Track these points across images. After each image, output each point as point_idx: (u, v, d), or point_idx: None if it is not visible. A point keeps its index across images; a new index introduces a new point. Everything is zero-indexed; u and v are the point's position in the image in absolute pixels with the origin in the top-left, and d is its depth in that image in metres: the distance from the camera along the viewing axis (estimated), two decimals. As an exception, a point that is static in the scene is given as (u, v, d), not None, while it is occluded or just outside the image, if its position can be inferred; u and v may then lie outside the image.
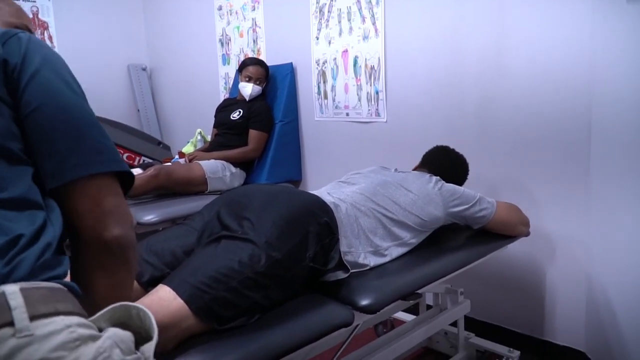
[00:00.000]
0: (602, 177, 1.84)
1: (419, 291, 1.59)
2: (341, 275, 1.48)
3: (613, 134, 1.75)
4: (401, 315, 2.43)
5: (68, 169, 0.78)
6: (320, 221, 1.42)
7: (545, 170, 2.04)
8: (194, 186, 2.76)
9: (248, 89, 2.94)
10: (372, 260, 1.57)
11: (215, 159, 2.87)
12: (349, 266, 1.49)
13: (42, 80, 0.80)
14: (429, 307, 2.25)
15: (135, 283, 1.34)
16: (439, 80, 2.32)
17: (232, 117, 2.98)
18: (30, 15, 3.68)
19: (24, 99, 0.78)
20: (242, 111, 2.96)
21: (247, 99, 2.98)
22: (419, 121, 2.43)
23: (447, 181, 1.83)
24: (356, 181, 1.76)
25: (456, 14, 2.21)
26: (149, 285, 1.30)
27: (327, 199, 1.54)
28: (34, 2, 3.68)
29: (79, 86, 0.87)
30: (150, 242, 1.44)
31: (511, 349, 2.06)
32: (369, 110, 2.62)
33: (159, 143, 3.75)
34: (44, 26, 3.74)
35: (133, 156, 3.58)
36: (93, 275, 0.84)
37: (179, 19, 3.88)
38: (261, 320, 1.25)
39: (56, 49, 3.79)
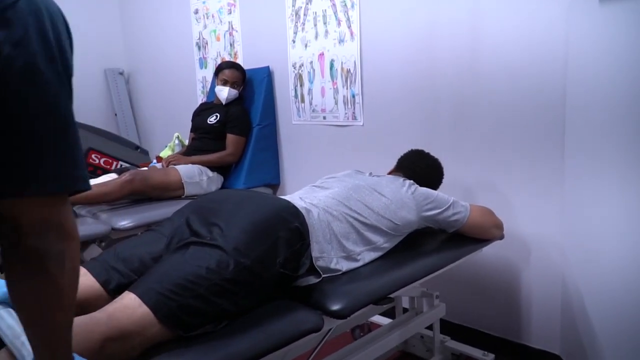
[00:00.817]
0: (575, 177, 1.86)
1: (391, 295, 1.58)
2: (313, 280, 1.47)
3: (586, 134, 1.77)
4: (378, 318, 2.42)
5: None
6: (290, 227, 1.41)
7: (520, 171, 2.05)
8: (170, 191, 2.73)
9: (224, 93, 2.92)
10: (345, 265, 1.56)
11: (193, 163, 2.84)
12: (320, 271, 1.49)
13: None
14: (405, 310, 2.25)
15: (102, 290, 1.32)
16: (414, 83, 2.32)
17: (209, 122, 2.96)
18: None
19: None
20: (219, 115, 2.94)
21: (224, 103, 2.96)
22: (395, 124, 2.43)
23: (422, 185, 1.83)
24: (330, 185, 1.76)
25: (430, 17, 2.22)
26: (115, 293, 1.28)
27: (299, 204, 1.53)
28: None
29: None
30: (118, 249, 1.42)
31: (486, 353, 2.07)
32: (346, 113, 2.62)
33: (137, 147, 3.71)
34: (18, 29, 3.68)
35: (110, 161, 3.54)
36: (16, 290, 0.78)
37: (156, 23, 3.85)
38: (228, 327, 1.24)
39: (30, 53, 3.73)
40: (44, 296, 0.77)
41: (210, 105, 3.08)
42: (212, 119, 2.95)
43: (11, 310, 1.05)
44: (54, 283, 0.76)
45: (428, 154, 2.02)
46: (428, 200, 1.74)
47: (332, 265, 1.53)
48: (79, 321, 1.09)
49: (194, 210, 1.49)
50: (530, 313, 2.12)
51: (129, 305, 1.15)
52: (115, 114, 4.14)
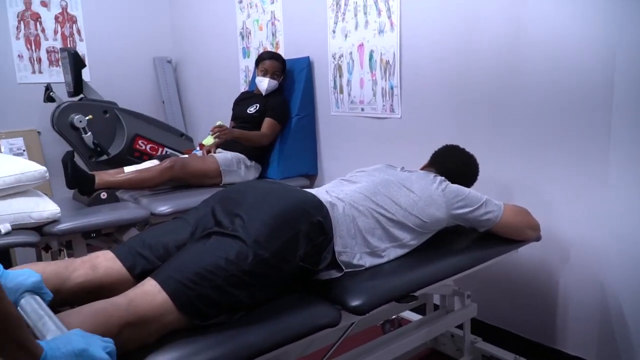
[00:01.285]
0: (621, 179, 1.76)
1: (416, 293, 1.56)
2: (335, 274, 1.47)
3: (636, 134, 1.67)
4: (409, 314, 2.40)
5: None
6: (312, 220, 1.41)
7: (560, 170, 1.96)
8: (208, 179, 2.78)
9: (264, 84, 2.94)
10: (368, 261, 1.54)
11: (235, 136, 2.83)
12: (343, 266, 1.48)
13: None
14: (436, 308, 2.21)
15: (128, 275, 1.36)
16: (453, 75, 2.26)
17: (248, 111, 2.99)
18: (59, 10, 3.78)
19: None
20: (258, 105, 2.97)
21: (264, 94, 2.97)
22: (433, 117, 2.38)
23: (455, 181, 1.79)
24: (358, 179, 1.74)
25: (471, 7, 2.14)
26: (140, 278, 1.31)
27: (324, 197, 1.52)
28: (63, -5, 3.77)
29: None
30: (145, 236, 1.46)
31: (518, 356, 2.02)
32: (384, 105, 2.58)
33: (182, 134, 3.79)
34: (73, 20, 3.83)
35: (156, 147, 3.63)
36: None
37: (203, 12, 3.91)
38: (244, 318, 1.25)
39: (84, 42, 3.88)
40: None
41: (250, 95, 3.11)
42: (251, 109, 2.98)
43: (37, 297, 1.10)
44: None
45: (463, 149, 1.96)
46: (459, 198, 1.70)
47: (355, 261, 1.51)
48: (100, 304, 1.14)
49: (219, 200, 1.50)
50: (567, 318, 2.03)
51: (149, 292, 1.18)
52: (163, 102, 4.24)
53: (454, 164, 1.90)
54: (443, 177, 1.76)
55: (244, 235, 1.30)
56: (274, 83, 2.96)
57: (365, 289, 1.43)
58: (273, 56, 2.97)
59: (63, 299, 1.27)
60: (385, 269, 1.56)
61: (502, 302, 2.24)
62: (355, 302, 1.37)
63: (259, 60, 2.97)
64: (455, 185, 1.74)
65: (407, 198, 1.64)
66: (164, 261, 1.36)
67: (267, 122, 2.91)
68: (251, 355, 1.16)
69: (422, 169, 1.93)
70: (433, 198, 1.67)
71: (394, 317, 2.32)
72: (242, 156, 2.89)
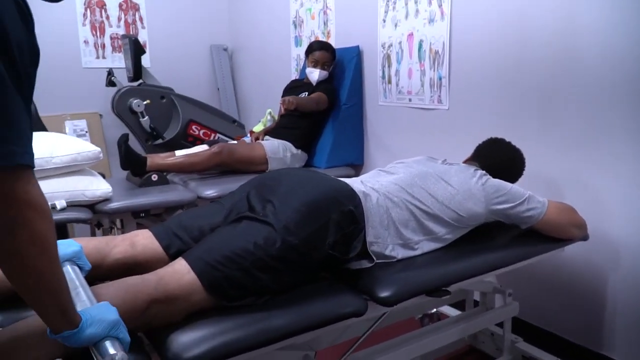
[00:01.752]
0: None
1: (452, 288, 1.53)
2: (365, 264, 1.47)
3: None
4: (449, 310, 2.36)
5: None
6: (343, 209, 1.41)
7: (613, 167, 1.85)
8: (255, 165, 2.82)
9: (315, 75, 2.94)
10: (401, 253, 1.53)
11: (299, 103, 2.83)
12: (374, 256, 1.47)
13: None
14: (476, 304, 2.16)
15: (164, 254, 1.41)
16: (503, 66, 2.18)
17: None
18: (123, -3, 3.93)
19: None
20: (307, 94, 2.98)
21: (314, 84, 2.98)
22: (481, 110, 2.30)
23: (497, 176, 1.73)
24: (396, 171, 1.71)
25: (526, -3, 2.05)
26: (175, 258, 1.35)
27: (357, 187, 1.52)
28: (127, -16, 3.92)
29: None
30: (182, 217, 1.51)
31: (559, 359, 1.93)
32: (432, 96, 2.53)
33: (234, 121, 3.88)
34: (135, 8, 3.98)
35: (209, 133, 3.73)
36: None
37: (258, 1, 3.95)
38: (270, 302, 1.27)
39: (145, 30, 4.03)
40: (3, 260, 0.83)
41: (300, 83, 3.13)
42: (301, 96, 3.00)
43: (75, 266, 1.17)
44: (6, 249, 0.81)
45: (508, 143, 1.89)
46: (499, 193, 1.64)
47: (387, 252, 1.50)
48: (131, 280, 1.19)
49: (255, 186, 1.53)
50: (615, 322, 1.93)
51: (179, 271, 1.23)
52: (218, 89, 4.35)
53: (498, 158, 1.84)
54: (484, 171, 1.71)
55: (274, 220, 1.32)
56: (324, 74, 2.96)
57: (395, 281, 1.42)
58: (323, 47, 2.96)
59: (103, 274, 1.34)
60: (417, 261, 1.54)
61: (545, 302, 2.16)
62: (383, 293, 1.37)
63: (309, 51, 2.98)
64: (497, 180, 1.68)
65: (444, 191, 1.61)
66: (197, 242, 1.41)
67: (317, 94, 2.90)
68: (274, 338, 1.18)
69: (465, 162, 1.88)
70: (472, 192, 1.62)
71: (433, 311, 2.29)
72: (289, 144, 2.91)
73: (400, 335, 1.80)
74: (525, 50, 2.08)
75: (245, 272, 1.25)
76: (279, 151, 2.87)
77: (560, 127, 2.01)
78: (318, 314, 1.25)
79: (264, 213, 1.37)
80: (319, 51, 2.95)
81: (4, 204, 0.78)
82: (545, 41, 2.01)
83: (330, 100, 2.94)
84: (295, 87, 3.13)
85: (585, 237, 1.77)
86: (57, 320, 0.93)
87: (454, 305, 2.33)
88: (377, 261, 1.48)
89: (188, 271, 1.23)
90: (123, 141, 2.52)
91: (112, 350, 0.95)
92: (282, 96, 3.20)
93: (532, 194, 1.67)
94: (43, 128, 2.95)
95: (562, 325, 2.12)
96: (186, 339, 1.12)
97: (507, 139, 1.92)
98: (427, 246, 1.58)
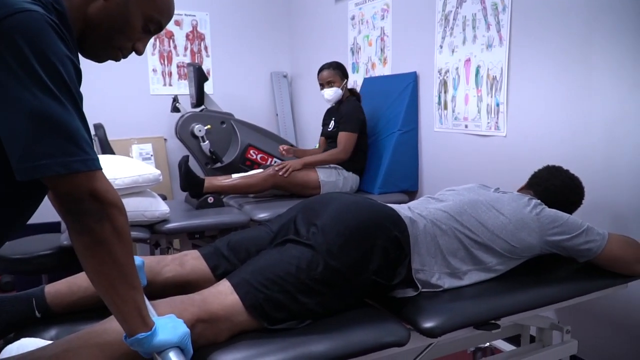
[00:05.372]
0: None
1: (504, 322, 1.47)
2: (410, 292, 1.44)
3: None
4: (503, 345, 2.25)
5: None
6: (390, 235, 1.40)
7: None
8: (309, 189, 2.85)
9: (326, 95, 2.99)
10: (447, 282, 1.49)
11: (306, 164, 2.87)
12: (419, 284, 1.44)
13: None
14: (532, 339, 2.05)
15: (211, 274, 1.45)
16: (565, 93, 2.10)
17: (329, 129, 3.04)
18: (190, 28, 4.14)
19: None
20: (334, 120, 3.00)
21: (329, 105, 3.04)
22: (541, 137, 2.23)
23: (553, 206, 1.66)
24: (445, 198, 1.68)
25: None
26: (222, 278, 1.39)
27: (405, 213, 1.50)
28: (194, 15, 4.13)
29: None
30: (230, 238, 1.54)
31: (623, 404, 1.80)
32: (489, 123, 2.47)
33: (291, 146, 3.95)
34: (201, 37, 4.18)
35: (266, 157, 3.81)
36: None
37: (318, 29, 4.05)
38: (312, 326, 1.27)
39: (210, 58, 4.21)
40: (90, 249, 0.94)
41: (330, 110, 3.15)
42: (330, 126, 3.03)
43: None
44: (95, 235, 0.92)
45: (566, 171, 1.81)
46: (555, 224, 1.57)
47: (434, 280, 1.47)
48: (178, 298, 1.23)
49: (301, 209, 1.55)
50: (688, 369, 1.78)
51: (222, 292, 1.26)
52: (277, 114, 4.45)
53: (554, 187, 1.76)
54: (539, 201, 1.64)
55: (317, 244, 1.33)
56: (334, 90, 2.95)
57: (440, 311, 1.38)
58: (324, 67, 3.00)
59: (153, 292, 1.38)
60: (465, 292, 1.49)
61: (606, 341, 2.02)
62: (428, 324, 1.33)
63: (318, 75, 3.02)
64: (553, 210, 1.61)
65: (495, 220, 1.56)
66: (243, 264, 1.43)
67: (340, 136, 2.90)
68: (312, 364, 1.17)
69: (519, 190, 1.82)
70: (525, 222, 1.56)
71: (486, 345, 2.19)
72: (339, 167, 2.93)
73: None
74: (590, 76, 2.00)
75: (287, 294, 1.26)
76: (332, 175, 2.89)
77: (625, 156, 1.91)
78: (358, 341, 1.23)
79: (308, 237, 1.38)
80: (322, 72, 2.99)
81: (92, 200, 0.90)
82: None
83: (355, 127, 2.88)
84: (327, 116, 3.16)
85: (652, 274, 1.65)
86: (134, 320, 0.99)
87: (510, 339, 2.22)
88: (423, 290, 1.45)
89: (231, 292, 1.25)
90: (183, 162, 2.62)
91: None
92: (323, 120, 3.23)
93: (591, 225, 1.59)
94: (111, 151, 3.13)
95: (627, 368, 1.98)
96: (226, 359, 1.13)
97: (567, 168, 1.85)
98: (476, 276, 1.53)
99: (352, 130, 2.89)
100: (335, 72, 2.98)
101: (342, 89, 2.99)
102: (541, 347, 1.91)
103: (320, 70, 3.03)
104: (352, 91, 3.09)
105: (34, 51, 0.83)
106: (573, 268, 1.68)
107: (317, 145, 3.32)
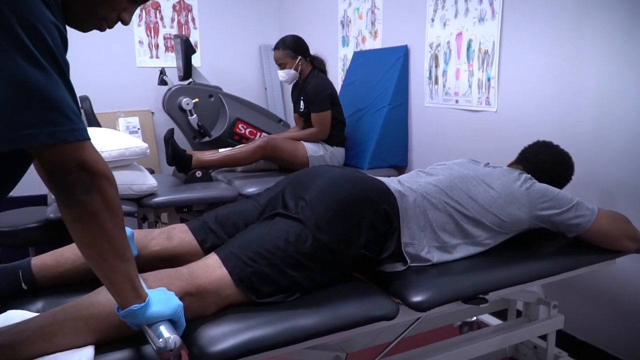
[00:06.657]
0: None
1: (492, 297, 1.48)
2: (399, 267, 1.44)
3: None
4: (490, 319, 2.28)
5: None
6: (377, 209, 1.38)
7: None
8: (297, 164, 2.83)
9: (279, 77, 2.96)
10: (436, 256, 1.48)
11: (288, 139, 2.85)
12: (408, 258, 1.44)
13: None
14: (519, 314, 2.08)
15: (199, 248, 1.43)
16: (557, 68, 2.08)
17: (300, 109, 2.99)
18: (177, -1, 4.04)
19: None
20: (303, 99, 2.94)
21: (288, 84, 2.98)
22: (532, 113, 2.21)
23: (543, 180, 1.66)
24: (436, 172, 1.67)
25: (582, -6, 1.96)
26: (209, 252, 1.37)
27: (395, 187, 1.49)
28: (181, -15, 4.02)
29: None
30: (217, 212, 1.52)
31: (607, 376, 1.83)
32: (479, 98, 2.46)
33: (280, 120, 3.90)
34: (189, 8, 4.08)
35: (254, 132, 3.77)
36: None
37: (307, 2, 3.97)
38: (300, 300, 1.26)
39: (197, 30, 4.12)
40: (80, 221, 0.92)
41: (297, 87, 3.07)
42: (301, 106, 2.97)
43: None
44: (84, 207, 0.90)
45: (556, 146, 1.81)
46: (545, 199, 1.57)
47: (423, 254, 1.47)
48: (165, 272, 1.21)
49: (289, 183, 1.53)
50: (670, 342, 1.81)
51: (210, 265, 1.24)
52: (265, 88, 4.39)
53: (544, 162, 1.76)
54: (529, 175, 1.64)
55: (306, 218, 1.32)
56: (285, 72, 2.90)
57: (429, 285, 1.38)
58: (276, 46, 2.90)
59: (140, 265, 1.35)
60: (454, 266, 1.49)
61: (594, 316, 2.05)
62: (416, 298, 1.33)
63: None
64: (543, 185, 1.61)
65: (485, 194, 1.55)
66: (231, 237, 1.42)
67: (314, 118, 2.87)
68: (300, 337, 1.17)
69: (509, 165, 1.82)
70: (515, 196, 1.56)
71: (473, 319, 2.21)
72: (322, 142, 2.90)
73: (439, 342, 1.76)
74: (582, 52, 1.98)
75: (276, 268, 1.25)
76: (319, 149, 2.87)
77: (615, 133, 1.90)
78: (347, 315, 1.23)
79: (296, 210, 1.36)
80: (274, 52, 2.92)
81: (80, 171, 0.88)
82: (603, 42, 1.90)
83: (324, 105, 2.83)
84: (295, 88, 3.10)
85: (639, 250, 1.67)
86: (127, 292, 0.98)
87: (496, 314, 2.25)
88: (412, 264, 1.45)
89: (219, 266, 1.24)
90: (168, 138, 2.58)
91: (166, 334, 0.99)
92: (292, 97, 3.18)
93: (581, 200, 1.59)
94: (97, 124, 3.07)
95: (609, 341, 2.01)
96: (213, 333, 1.13)
97: (557, 143, 1.84)
98: (465, 250, 1.53)
99: (323, 109, 2.84)
100: (285, 52, 2.88)
101: (295, 69, 2.90)
102: (527, 322, 1.93)
103: (274, 49, 2.93)
104: (313, 62, 2.97)
105: (18, 17, 0.79)
106: (561, 244, 1.69)
107: (294, 123, 3.27)
